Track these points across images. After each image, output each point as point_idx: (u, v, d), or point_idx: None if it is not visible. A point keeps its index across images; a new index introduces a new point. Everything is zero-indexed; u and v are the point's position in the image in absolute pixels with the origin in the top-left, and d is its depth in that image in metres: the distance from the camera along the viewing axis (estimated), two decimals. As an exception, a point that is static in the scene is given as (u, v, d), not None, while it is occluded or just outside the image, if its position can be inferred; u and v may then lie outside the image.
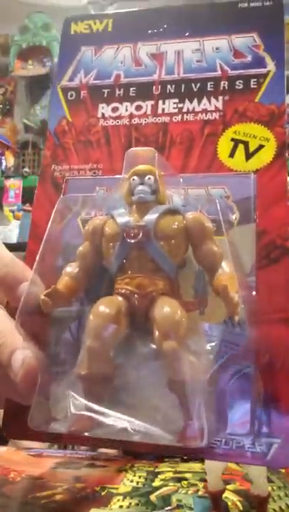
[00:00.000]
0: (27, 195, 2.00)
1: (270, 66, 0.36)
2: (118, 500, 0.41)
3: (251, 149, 0.34)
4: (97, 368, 0.27)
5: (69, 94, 0.39)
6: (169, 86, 0.37)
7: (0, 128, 2.14)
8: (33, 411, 0.28)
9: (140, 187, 0.30)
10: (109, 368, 0.27)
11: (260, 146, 0.34)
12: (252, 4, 0.38)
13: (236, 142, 0.34)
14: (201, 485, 0.43)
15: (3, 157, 2.09)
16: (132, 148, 0.34)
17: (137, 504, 0.40)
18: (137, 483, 0.45)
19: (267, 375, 0.28)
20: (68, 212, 0.34)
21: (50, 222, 0.32)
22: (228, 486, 0.41)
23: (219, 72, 0.37)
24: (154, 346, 0.27)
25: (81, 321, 0.30)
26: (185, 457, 0.52)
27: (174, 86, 0.37)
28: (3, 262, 0.31)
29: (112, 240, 0.29)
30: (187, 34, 0.39)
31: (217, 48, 0.38)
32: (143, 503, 0.40)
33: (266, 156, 0.33)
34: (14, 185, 2.03)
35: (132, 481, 0.45)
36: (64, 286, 0.29)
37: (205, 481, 0.38)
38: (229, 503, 0.39)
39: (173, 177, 0.33)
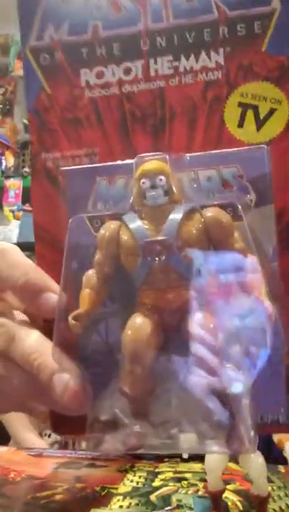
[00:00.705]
0: (27, 195, 2.00)
1: (275, 2, 0.30)
2: (118, 500, 0.41)
3: (262, 115, 0.30)
4: (139, 388, 0.27)
5: (41, 57, 0.32)
6: (158, 38, 0.31)
7: (0, 128, 2.15)
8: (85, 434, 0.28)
9: (152, 192, 0.27)
10: (152, 384, 0.27)
11: (272, 110, 0.30)
12: None
13: (244, 107, 0.30)
14: (201, 485, 0.43)
15: (3, 157, 2.09)
16: (141, 155, 0.30)
17: (137, 504, 0.40)
18: (137, 483, 0.45)
19: None
20: (81, 231, 0.31)
21: (66, 243, 0.29)
22: (228, 486, 0.41)
23: (216, 14, 0.30)
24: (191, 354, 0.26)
25: (108, 321, 0.30)
26: (185, 457, 0.52)
27: (164, 38, 0.31)
28: (22, 270, 0.30)
29: (131, 253, 0.28)
30: None
31: None
32: (143, 503, 0.40)
33: (279, 121, 0.29)
34: (14, 185, 2.03)
35: (132, 481, 0.45)
36: (88, 302, 0.29)
37: (205, 481, 0.38)
38: (229, 503, 0.39)
39: (180, 159, 0.30)
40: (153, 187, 0.28)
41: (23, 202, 2.00)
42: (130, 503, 0.40)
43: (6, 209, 2.03)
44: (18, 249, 0.32)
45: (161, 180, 0.28)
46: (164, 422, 0.27)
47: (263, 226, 0.29)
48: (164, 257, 0.27)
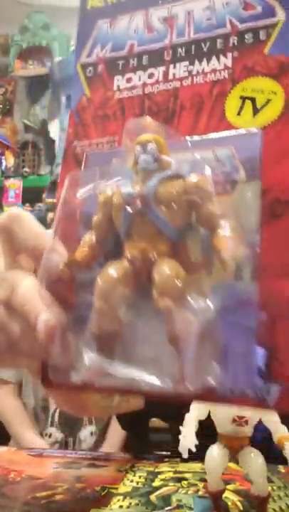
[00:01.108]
0: (27, 195, 2.00)
1: (280, 15, 0.34)
2: (118, 500, 0.41)
3: (259, 105, 0.33)
4: (106, 327, 0.30)
5: (88, 70, 0.40)
6: (179, 49, 0.37)
7: (0, 128, 2.15)
8: (53, 365, 0.31)
9: (143, 156, 0.31)
10: (117, 326, 0.30)
11: (268, 101, 0.33)
12: None
13: (244, 99, 0.34)
14: (201, 485, 0.43)
15: (3, 157, 2.09)
16: (131, 119, 0.34)
17: (137, 504, 0.40)
18: (137, 483, 0.45)
19: (270, 327, 0.29)
20: (77, 185, 0.35)
21: (62, 194, 0.34)
22: (228, 486, 0.41)
23: (228, 28, 0.36)
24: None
25: None
26: (185, 457, 0.52)
27: (184, 48, 0.37)
28: (33, 234, 0.33)
29: (118, 210, 0.31)
30: None
31: (227, 3, 0.36)
32: (143, 503, 0.40)
33: (274, 110, 0.33)
34: (14, 185, 2.03)
35: (132, 481, 0.45)
36: (81, 255, 0.32)
37: (205, 481, 0.38)
38: (229, 503, 0.39)
39: (178, 141, 0.33)
40: (144, 152, 0.31)
41: (23, 202, 2.00)
42: (130, 503, 0.40)
43: (6, 209, 2.03)
44: (32, 216, 0.35)
45: (151, 148, 0.31)
46: (126, 362, 0.29)
47: (249, 200, 0.31)
48: (139, 207, 0.30)
